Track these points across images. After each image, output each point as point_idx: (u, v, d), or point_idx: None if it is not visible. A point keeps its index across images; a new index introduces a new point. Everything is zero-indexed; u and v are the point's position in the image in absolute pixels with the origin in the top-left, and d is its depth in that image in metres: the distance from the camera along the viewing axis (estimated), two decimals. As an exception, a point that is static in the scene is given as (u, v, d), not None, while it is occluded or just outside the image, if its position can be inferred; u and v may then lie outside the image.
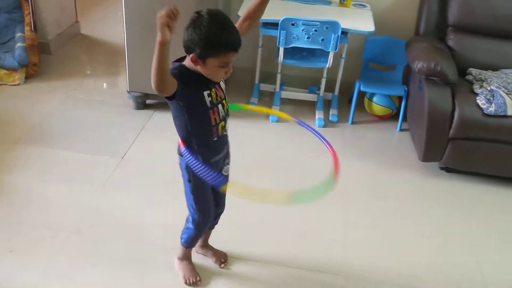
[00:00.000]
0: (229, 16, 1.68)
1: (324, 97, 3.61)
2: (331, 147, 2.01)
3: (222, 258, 2.27)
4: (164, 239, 2.35)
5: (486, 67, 3.15)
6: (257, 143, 3.23)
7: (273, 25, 3.19)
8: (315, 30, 3.10)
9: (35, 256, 2.24)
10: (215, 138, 1.81)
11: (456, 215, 2.77)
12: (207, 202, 2.00)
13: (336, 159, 1.93)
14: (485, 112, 2.77)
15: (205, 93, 1.72)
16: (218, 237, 2.30)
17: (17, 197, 2.59)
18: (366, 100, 3.56)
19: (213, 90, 1.75)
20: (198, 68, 1.66)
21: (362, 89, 3.40)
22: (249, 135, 3.28)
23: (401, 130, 3.48)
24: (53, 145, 3.02)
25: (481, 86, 2.91)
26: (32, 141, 3.03)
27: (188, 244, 2.15)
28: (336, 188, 2.85)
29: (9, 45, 3.69)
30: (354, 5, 3.53)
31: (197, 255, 2.28)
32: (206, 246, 2.29)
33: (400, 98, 3.47)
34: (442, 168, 3.09)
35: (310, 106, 3.63)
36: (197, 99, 1.72)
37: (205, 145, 1.81)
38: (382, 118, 3.57)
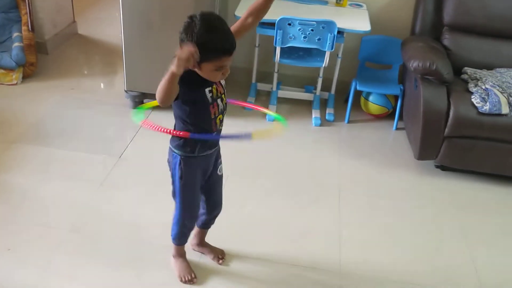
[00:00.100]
0: (225, 17, 1.69)
1: (320, 96, 3.63)
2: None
3: (219, 254, 2.29)
4: (161, 237, 2.36)
5: (481, 66, 3.17)
6: (254, 142, 3.24)
7: (270, 24, 3.20)
8: (312, 30, 3.12)
9: (32, 255, 2.25)
10: (215, 132, 1.84)
11: (451, 212, 2.80)
12: (194, 200, 2.02)
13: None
14: (480, 110, 2.79)
15: (207, 90, 1.75)
16: (215, 235, 2.32)
17: (14, 196, 2.60)
18: (362, 99, 3.58)
19: (214, 86, 1.77)
20: (196, 71, 1.68)
21: (358, 88, 3.42)
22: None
23: (397, 129, 3.50)
24: (50, 144, 3.03)
25: (476, 85, 2.94)
26: (30, 140, 3.04)
27: (177, 241, 2.16)
28: (332, 187, 2.90)
29: (6, 45, 3.70)
30: (350, 4, 3.55)
31: (194, 253, 2.30)
32: (202, 244, 2.31)
33: (396, 97, 3.49)
34: (437, 167, 3.12)
35: (306, 105, 3.65)
36: (199, 96, 1.74)
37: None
38: (378, 117, 3.59)
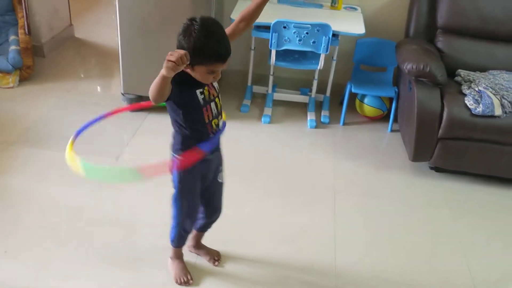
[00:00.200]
0: (220, 20, 1.71)
1: (315, 98, 3.65)
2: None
3: (215, 256, 2.31)
4: (158, 238, 2.38)
5: (474, 69, 3.21)
6: (249, 144, 3.27)
7: (265, 28, 3.23)
8: (307, 33, 3.15)
9: (30, 256, 2.26)
10: (211, 136, 1.85)
11: (445, 213, 2.82)
12: (192, 205, 2.04)
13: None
14: (473, 112, 2.82)
15: (198, 91, 1.76)
16: (211, 237, 2.33)
17: (12, 198, 2.61)
18: (357, 101, 3.61)
19: (206, 88, 1.78)
20: (188, 71, 1.70)
21: (353, 90, 3.45)
22: (241, 136, 3.32)
23: (392, 131, 3.53)
24: (47, 146, 3.04)
25: (469, 87, 2.97)
26: (27, 143, 3.06)
27: (176, 243, 2.18)
28: (328, 189, 2.92)
29: (2, 48, 3.71)
30: (345, 8, 3.58)
31: (190, 254, 2.32)
32: (199, 245, 2.33)
33: (390, 99, 3.52)
34: (431, 168, 3.14)
35: (302, 107, 3.67)
36: (191, 97, 1.76)
37: (200, 141, 1.84)
38: (373, 119, 3.62)
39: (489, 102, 2.81)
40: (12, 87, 3.63)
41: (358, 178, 3.05)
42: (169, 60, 1.46)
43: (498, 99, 2.84)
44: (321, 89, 3.66)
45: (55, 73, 3.93)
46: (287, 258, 2.39)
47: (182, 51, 1.48)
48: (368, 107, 3.55)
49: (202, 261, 2.32)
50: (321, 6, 3.58)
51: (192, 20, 1.63)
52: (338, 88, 3.68)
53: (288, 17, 3.21)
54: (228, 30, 1.82)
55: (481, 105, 2.81)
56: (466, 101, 2.86)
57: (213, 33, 1.64)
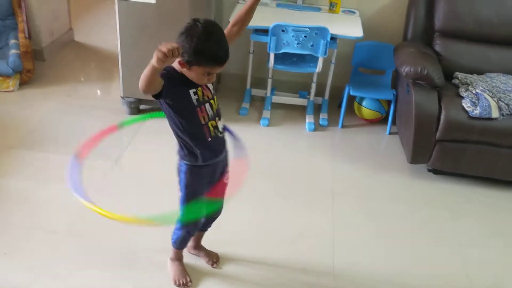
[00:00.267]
0: (221, 24, 1.74)
1: (314, 101, 3.67)
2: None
3: (214, 258, 2.32)
4: (157, 240, 2.39)
5: (471, 71, 3.23)
6: (248, 146, 3.26)
7: (264, 31, 3.25)
8: (305, 36, 3.17)
9: (29, 258, 2.28)
10: (209, 139, 1.85)
11: (443, 215, 2.83)
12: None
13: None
14: (471, 114, 2.84)
15: (191, 91, 1.77)
16: (210, 238, 2.35)
17: (11, 200, 2.63)
18: (355, 104, 3.63)
19: (200, 88, 1.80)
20: (184, 70, 1.72)
21: (351, 93, 3.47)
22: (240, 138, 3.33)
23: (390, 133, 3.55)
24: (47, 149, 3.06)
25: (466, 90, 2.98)
26: (27, 146, 3.07)
27: (177, 245, 2.19)
28: (326, 191, 2.94)
29: (3, 52, 3.73)
30: (343, 11, 3.60)
31: (189, 256, 2.33)
32: (198, 247, 2.34)
33: (389, 102, 3.54)
34: (430, 170, 3.16)
35: (300, 110, 3.69)
36: (184, 97, 1.76)
37: (201, 145, 1.85)
38: (372, 122, 3.64)
39: (486, 104, 2.83)
40: (12, 91, 3.65)
41: (357, 180, 3.07)
42: (160, 51, 1.46)
43: (495, 101, 2.86)
44: (319, 92, 3.68)
45: (55, 77, 3.95)
46: (286, 260, 2.40)
47: (175, 44, 1.49)
48: (367, 109, 3.57)
49: (201, 262, 2.33)
50: (319, 9, 3.60)
51: (195, 21, 1.66)
52: (336, 91, 3.70)
53: (287, 20, 3.23)
54: None
55: (478, 107, 2.83)
56: (463, 104, 2.88)
57: (214, 36, 1.67)
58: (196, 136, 1.84)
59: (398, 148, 3.36)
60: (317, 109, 3.71)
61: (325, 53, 3.22)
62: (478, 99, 2.88)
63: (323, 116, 3.63)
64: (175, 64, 1.74)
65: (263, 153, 3.23)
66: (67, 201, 2.65)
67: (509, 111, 2.87)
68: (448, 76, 3.16)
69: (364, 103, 3.57)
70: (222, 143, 1.95)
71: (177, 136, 1.86)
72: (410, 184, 3.08)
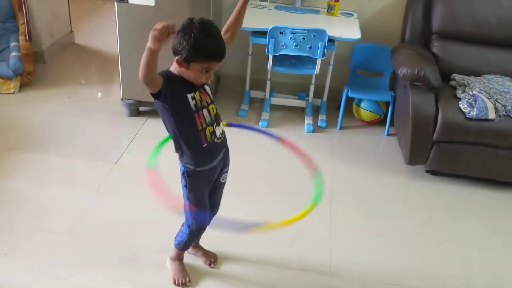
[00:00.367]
0: (220, 25, 1.76)
1: (313, 103, 3.70)
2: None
3: (212, 258, 2.34)
4: (155, 240, 2.42)
5: (469, 73, 3.25)
6: (247, 148, 3.30)
7: (262, 33, 3.27)
8: (303, 38, 3.19)
9: (29, 258, 2.30)
10: (205, 145, 1.86)
11: (441, 216, 2.85)
12: (202, 208, 2.06)
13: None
14: (467, 116, 2.85)
15: (189, 96, 1.79)
16: (208, 238, 2.36)
17: (12, 201, 2.65)
18: (354, 105, 3.65)
19: (197, 93, 1.81)
20: (182, 70, 1.74)
21: (350, 95, 3.49)
22: (239, 140, 3.34)
23: (388, 135, 3.57)
24: (47, 151, 3.08)
25: (463, 91, 3.01)
26: (27, 148, 3.10)
27: (181, 247, 2.21)
28: (324, 191, 2.95)
29: (3, 54, 3.76)
30: (341, 13, 3.62)
31: (187, 255, 2.35)
32: (196, 246, 2.36)
33: (387, 104, 3.56)
34: (427, 171, 3.18)
35: (299, 112, 3.71)
36: (182, 101, 1.78)
37: (195, 150, 1.86)
38: (370, 123, 3.66)
39: (483, 105, 2.85)
40: (13, 93, 3.68)
41: (355, 181, 3.09)
42: (155, 29, 1.46)
43: (492, 103, 2.88)
44: (318, 94, 3.70)
45: (55, 79, 3.98)
46: (284, 260, 2.42)
47: (168, 22, 1.48)
48: (365, 111, 3.59)
49: (199, 262, 2.35)
50: (317, 12, 3.63)
51: (191, 19, 1.69)
52: (335, 92, 3.73)
53: (285, 23, 3.25)
54: None
55: (475, 108, 2.85)
56: (460, 105, 2.90)
57: (211, 32, 1.70)
58: (191, 140, 1.85)
59: (396, 149, 3.37)
60: (315, 111, 3.73)
61: (323, 55, 3.24)
62: (475, 101, 2.90)
63: (322, 117, 3.65)
64: (173, 68, 1.77)
65: (262, 154, 3.25)
66: (67, 202, 2.68)
67: (506, 112, 2.89)
68: (446, 77, 3.19)
69: (362, 104, 3.59)
70: (218, 148, 1.95)
71: (173, 138, 1.88)
72: (408, 185, 3.09)
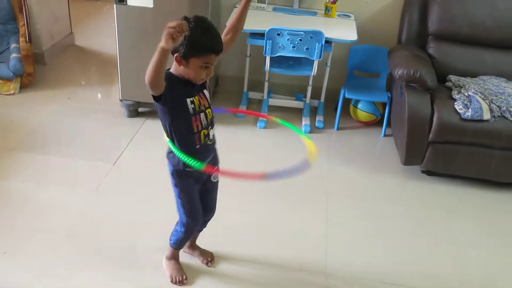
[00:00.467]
0: (217, 26, 1.79)
1: (310, 104, 3.72)
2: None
3: (208, 257, 2.36)
4: (154, 239, 2.44)
5: (465, 74, 3.27)
6: (245, 148, 3.33)
7: (260, 35, 3.30)
8: (300, 40, 3.22)
9: (28, 258, 2.32)
10: (198, 146, 1.90)
11: (436, 216, 2.87)
12: (194, 206, 2.09)
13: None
14: (462, 116, 2.88)
15: (188, 100, 1.83)
16: (205, 238, 2.39)
17: (12, 201, 2.68)
18: (351, 106, 3.68)
19: (197, 97, 1.85)
20: (182, 68, 1.77)
21: (347, 96, 3.52)
22: (237, 140, 3.39)
23: (385, 135, 3.59)
24: (47, 151, 3.11)
25: (459, 92, 3.03)
26: (27, 148, 3.13)
27: (177, 245, 2.24)
28: (321, 191, 2.99)
29: (4, 56, 3.79)
30: (338, 15, 3.65)
31: (184, 255, 2.38)
32: (193, 246, 2.39)
33: (384, 105, 3.59)
34: (423, 172, 3.20)
35: (297, 113, 3.74)
36: (181, 104, 1.82)
37: (187, 151, 1.88)
38: (367, 124, 3.69)
39: (478, 106, 2.87)
40: (13, 94, 3.71)
41: (352, 181, 3.11)
42: (169, 27, 1.49)
43: (487, 103, 2.91)
44: (315, 95, 3.72)
45: (55, 80, 4.01)
46: (280, 259, 2.44)
47: (181, 21, 1.52)
48: (362, 112, 3.62)
49: (196, 261, 2.37)
50: (315, 13, 3.66)
51: (186, 17, 1.72)
52: (332, 93, 3.75)
53: (283, 24, 3.28)
54: None
55: (470, 109, 2.88)
56: (455, 106, 2.92)
57: (207, 26, 1.74)
58: (186, 141, 1.88)
59: (393, 150, 3.40)
60: (313, 112, 3.76)
61: (320, 57, 3.27)
62: (470, 101, 2.92)
63: (319, 118, 3.68)
64: (173, 68, 1.80)
65: (260, 154, 3.27)
66: (66, 202, 2.71)
67: (501, 113, 2.92)
68: (442, 79, 3.22)
69: (359, 105, 3.62)
70: (209, 150, 1.99)
71: (169, 137, 1.91)
72: (404, 185, 3.12)
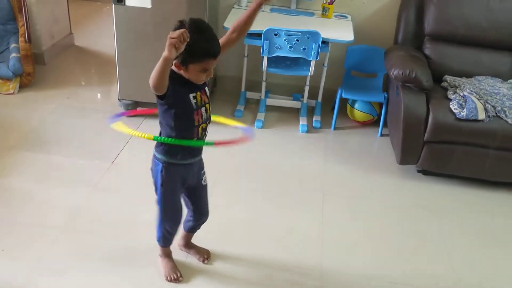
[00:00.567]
0: (215, 28, 1.82)
1: (307, 104, 3.75)
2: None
3: (205, 254, 2.38)
4: (151, 237, 2.44)
5: (461, 74, 3.30)
6: (242, 147, 3.33)
7: (258, 35, 3.33)
8: (297, 40, 3.25)
9: (27, 254, 2.34)
10: (195, 139, 1.95)
11: (432, 215, 2.89)
12: (175, 208, 2.13)
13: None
14: (457, 116, 2.90)
15: (191, 95, 1.87)
16: (201, 236, 2.41)
17: (11, 199, 2.70)
18: (348, 106, 3.70)
19: (198, 93, 1.89)
20: (182, 72, 1.81)
21: (344, 96, 3.54)
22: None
23: (381, 135, 3.62)
24: (46, 150, 3.14)
25: (454, 92, 3.06)
26: (27, 147, 3.15)
27: (162, 243, 2.27)
28: (317, 191, 3.01)
29: (3, 56, 3.82)
30: (335, 16, 3.68)
31: (181, 253, 2.40)
32: (189, 245, 2.41)
33: (380, 105, 3.61)
34: (419, 171, 3.22)
35: (294, 113, 3.77)
36: (184, 100, 1.86)
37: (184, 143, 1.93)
38: (364, 124, 3.71)
39: (473, 106, 2.90)
40: (12, 93, 3.74)
41: (348, 181, 3.14)
42: (171, 38, 1.54)
43: (482, 103, 2.93)
44: (313, 95, 3.75)
45: (55, 80, 4.04)
46: (275, 258, 2.47)
47: (181, 30, 1.56)
48: (359, 112, 3.64)
49: (192, 259, 2.40)
50: (312, 14, 3.69)
51: (181, 21, 1.74)
52: (329, 93, 3.78)
53: (280, 25, 3.31)
54: (221, 40, 1.93)
55: (465, 109, 2.90)
56: (450, 106, 2.95)
57: (203, 31, 1.76)
58: (184, 135, 1.92)
59: (389, 149, 3.42)
60: (310, 112, 3.78)
61: (316, 57, 3.30)
62: (465, 101, 2.94)
63: (316, 118, 3.70)
64: (173, 67, 1.83)
65: (257, 154, 3.30)
66: (65, 200, 2.74)
67: (496, 113, 2.94)
68: (438, 79, 3.24)
69: (356, 105, 3.64)
70: (200, 149, 2.04)
71: (165, 131, 1.94)
72: (400, 184, 3.14)
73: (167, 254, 2.30)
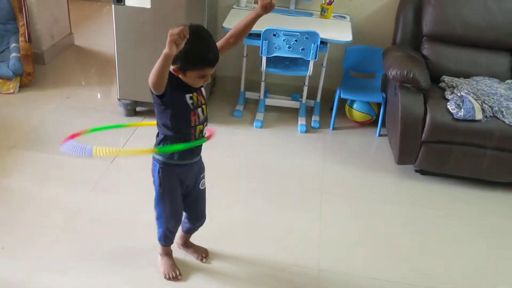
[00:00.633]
0: (214, 29, 1.84)
1: (306, 104, 3.76)
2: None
3: (203, 253, 2.40)
4: (150, 237, 2.46)
5: (458, 75, 3.32)
6: (241, 147, 3.37)
7: (257, 35, 3.34)
8: (296, 40, 3.26)
9: (27, 253, 2.36)
10: (192, 140, 1.96)
11: (429, 215, 2.91)
12: (175, 208, 2.15)
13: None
14: (455, 116, 2.92)
15: (187, 96, 1.89)
16: (200, 235, 2.43)
17: (11, 198, 2.72)
18: (346, 107, 3.72)
19: (195, 94, 1.91)
20: (180, 76, 1.84)
21: (342, 96, 3.56)
22: (234, 140, 3.43)
23: (380, 135, 3.63)
24: (46, 150, 3.15)
25: (452, 92, 3.07)
26: (27, 146, 3.17)
27: (163, 242, 2.28)
28: (315, 190, 3.02)
29: (3, 55, 3.84)
30: (334, 16, 3.69)
31: (179, 251, 2.42)
32: (187, 244, 2.42)
33: (379, 105, 3.63)
34: (417, 171, 3.24)
35: (293, 113, 3.78)
36: (181, 100, 1.88)
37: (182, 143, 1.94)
38: (362, 124, 3.73)
39: (470, 106, 2.91)
40: (12, 93, 3.76)
41: (346, 180, 3.15)
42: (172, 34, 1.56)
43: (479, 104, 2.95)
44: (311, 95, 3.77)
45: (55, 80, 4.05)
46: (273, 257, 2.48)
47: (181, 27, 1.58)
48: (357, 112, 3.66)
49: (190, 258, 2.41)
50: (311, 14, 3.70)
51: (184, 26, 1.76)
52: (328, 94, 3.80)
53: (279, 25, 3.32)
54: (219, 43, 1.95)
55: (462, 109, 2.92)
56: (448, 106, 2.96)
57: (203, 39, 1.78)
58: (182, 135, 1.94)
59: (388, 149, 3.44)
60: (309, 112, 3.80)
61: (315, 57, 3.31)
62: (462, 102, 2.96)
63: (315, 118, 3.72)
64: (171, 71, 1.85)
65: (256, 154, 3.32)
66: (65, 199, 2.75)
67: (493, 113, 2.96)
68: (436, 79, 3.26)
69: (354, 105, 3.66)
70: (199, 146, 2.05)
71: (162, 132, 1.95)
72: (398, 184, 3.16)
73: (167, 253, 2.32)
